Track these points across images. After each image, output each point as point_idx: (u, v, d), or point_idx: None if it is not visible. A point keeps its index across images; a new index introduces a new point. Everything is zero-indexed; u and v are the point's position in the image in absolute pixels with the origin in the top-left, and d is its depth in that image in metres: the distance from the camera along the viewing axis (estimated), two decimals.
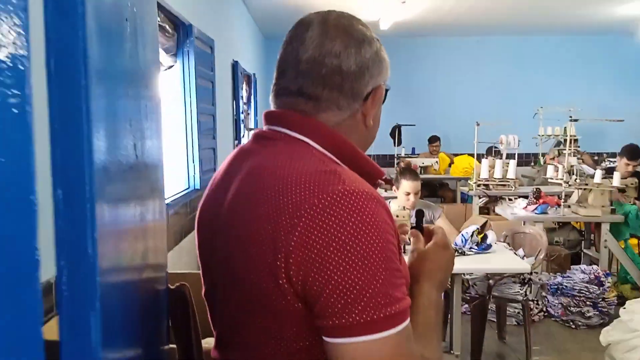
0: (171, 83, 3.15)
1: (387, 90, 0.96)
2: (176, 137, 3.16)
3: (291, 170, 0.79)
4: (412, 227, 1.01)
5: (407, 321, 0.75)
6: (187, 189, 3.19)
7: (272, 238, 0.76)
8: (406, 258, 0.95)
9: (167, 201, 2.73)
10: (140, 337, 1.02)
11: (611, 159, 6.68)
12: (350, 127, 0.90)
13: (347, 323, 0.71)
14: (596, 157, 6.93)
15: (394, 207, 3.50)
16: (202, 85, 3.33)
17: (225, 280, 0.87)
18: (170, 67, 3.14)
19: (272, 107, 0.93)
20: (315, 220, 0.73)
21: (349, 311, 0.71)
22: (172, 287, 1.36)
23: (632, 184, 4.58)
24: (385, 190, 5.05)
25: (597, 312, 3.98)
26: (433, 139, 7.49)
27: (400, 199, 3.49)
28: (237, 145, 4.80)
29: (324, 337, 0.74)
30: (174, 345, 1.32)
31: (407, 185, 3.41)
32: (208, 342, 1.20)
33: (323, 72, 0.86)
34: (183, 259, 2.86)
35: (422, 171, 6.50)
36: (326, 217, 0.73)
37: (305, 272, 0.74)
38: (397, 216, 2.89)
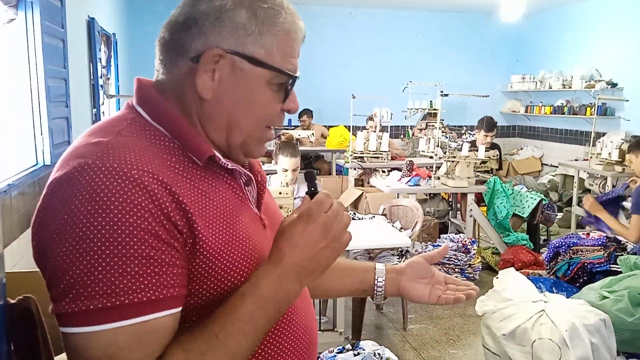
0: (12, 40, 2.66)
1: (253, 60, 0.79)
2: (19, 105, 2.67)
3: (72, 145, 0.77)
4: (306, 193, 0.83)
5: (146, 317, 0.67)
6: (35, 165, 2.74)
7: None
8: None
9: (10, 180, 2.30)
10: None
11: (471, 132, 7.13)
12: (185, 94, 0.80)
13: (60, 311, 0.67)
14: (454, 132, 7.36)
15: (276, 183, 3.34)
16: (51, 44, 2.85)
17: None
18: (11, 20, 2.65)
19: None
20: (48, 196, 0.70)
21: (61, 299, 0.67)
22: (12, 301, 1.07)
23: (494, 156, 4.88)
24: (264, 164, 4.88)
25: (464, 278, 4.20)
26: (301, 114, 7.35)
27: (279, 174, 3.34)
28: (95, 114, 4.29)
29: None
30: None
31: (284, 161, 3.28)
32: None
33: (164, 28, 0.82)
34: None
35: (298, 144, 6.42)
36: (58, 193, 0.69)
37: (38, 251, 0.72)
38: (280, 193, 2.73)
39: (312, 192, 0.83)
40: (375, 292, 1.07)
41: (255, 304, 0.72)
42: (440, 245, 4.32)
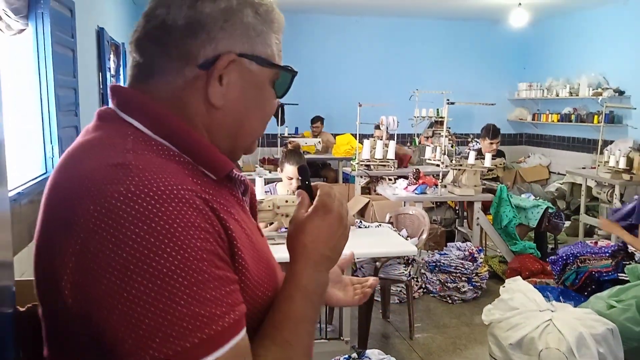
0: (22, 50, 2.70)
1: (273, 66, 0.78)
2: (29, 114, 2.71)
3: (76, 166, 0.68)
4: (298, 188, 0.83)
5: (235, 340, 0.63)
6: (44, 174, 2.77)
7: (51, 258, 0.64)
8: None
9: (20, 189, 2.33)
10: None
11: (477, 140, 7.12)
12: (188, 103, 0.74)
13: None
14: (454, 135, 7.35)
15: (281, 191, 3.35)
16: (61, 54, 2.89)
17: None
18: (21, 31, 2.69)
19: None
20: (90, 234, 0.60)
21: (145, 346, 0.58)
22: (21, 309, 1.08)
23: (500, 164, 4.87)
24: (270, 172, 4.91)
25: (471, 287, 4.20)
26: (314, 120, 7.45)
27: (285, 182, 3.36)
28: None
29: None
30: None
31: (290, 170, 3.29)
32: None
33: (148, 27, 0.74)
34: None
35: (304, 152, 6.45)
36: (102, 229, 0.60)
37: (85, 300, 0.61)
38: (287, 201, 2.74)
39: (306, 186, 0.82)
40: None
41: (304, 300, 0.75)
42: (447, 254, 4.33)
